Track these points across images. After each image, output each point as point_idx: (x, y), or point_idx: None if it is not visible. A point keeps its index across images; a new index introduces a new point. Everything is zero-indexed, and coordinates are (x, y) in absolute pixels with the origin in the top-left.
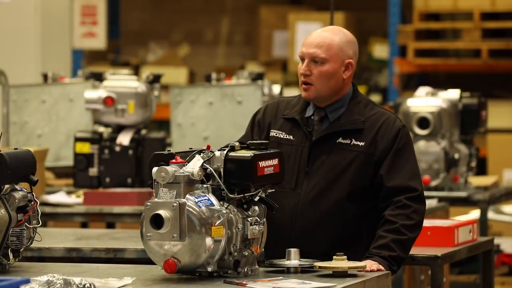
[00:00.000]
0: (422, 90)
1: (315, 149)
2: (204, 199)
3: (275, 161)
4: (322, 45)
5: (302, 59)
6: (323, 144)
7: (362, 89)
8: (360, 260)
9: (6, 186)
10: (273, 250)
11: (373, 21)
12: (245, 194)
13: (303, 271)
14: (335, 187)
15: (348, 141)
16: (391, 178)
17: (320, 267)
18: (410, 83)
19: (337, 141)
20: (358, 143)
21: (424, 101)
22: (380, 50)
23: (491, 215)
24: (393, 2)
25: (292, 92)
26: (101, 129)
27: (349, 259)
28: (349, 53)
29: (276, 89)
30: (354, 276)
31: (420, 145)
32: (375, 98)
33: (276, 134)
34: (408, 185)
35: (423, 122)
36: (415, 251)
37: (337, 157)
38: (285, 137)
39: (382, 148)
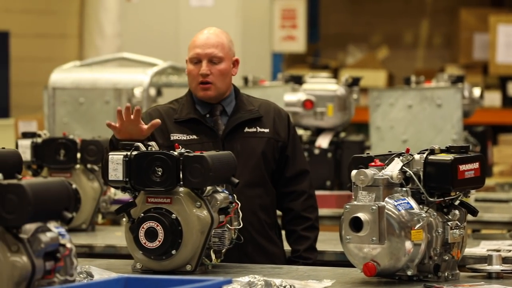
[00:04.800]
0: None
1: (227, 141)
2: (404, 203)
3: (475, 165)
4: (218, 45)
5: (197, 61)
6: (233, 135)
7: None
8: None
9: (208, 187)
10: None
11: None
12: (445, 198)
13: (506, 277)
14: (257, 173)
15: (254, 129)
16: (295, 162)
17: None
18: None
19: (244, 130)
20: (263, 130)
21: None
22: None
23: None
24: None
25: (493, 95)
26: (300, 132)
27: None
28: (234, 51)
29: (477, 92)
30: None
31: None
32: None
33: (178, 137)
34: (307, 169)
35: None
36: None
37: (250, 145)
38: (188, 137)
39: (283, 134)
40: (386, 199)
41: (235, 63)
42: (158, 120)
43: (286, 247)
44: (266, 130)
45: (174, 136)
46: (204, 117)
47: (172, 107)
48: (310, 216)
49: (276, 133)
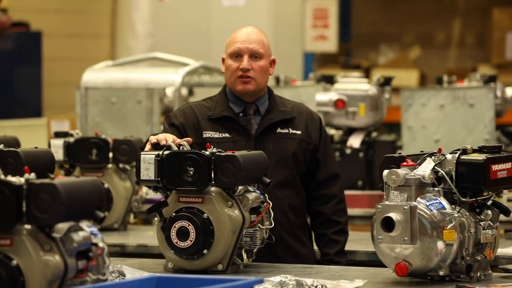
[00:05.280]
0: None
1: (259, 141)
2: (436, 203)
3: (508, 165)
4: (259, 41)
5: (237, 55)
6: (265, 135)
7: None
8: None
9: (240, 187)
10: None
11: None
12: (478, 198)
13: None
14: (288, 174)
15: (287, 131)
16: (326, 165)
17: None
18: None
19: (277, 131)
20: (296, 131)
21: None
22: None
23: None
24: None
25: None
26: (332, 131)
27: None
28: (271, 51)
29: (509, 91)
30: None
31: None
32: None
33: (211, 135)
34: (337, 172)
35: None
36: None
37: (282, 145)
38: (221, 135)
39: (314, 136)
40: (418, 199)
41: (272, 63)
42: (190, 139)
43: (315, 248)
44: (298, 132)
45: (207, 134)
46: (238, 115)
47: (205, 105)
48: (341, 220)
49: (308, 136)
